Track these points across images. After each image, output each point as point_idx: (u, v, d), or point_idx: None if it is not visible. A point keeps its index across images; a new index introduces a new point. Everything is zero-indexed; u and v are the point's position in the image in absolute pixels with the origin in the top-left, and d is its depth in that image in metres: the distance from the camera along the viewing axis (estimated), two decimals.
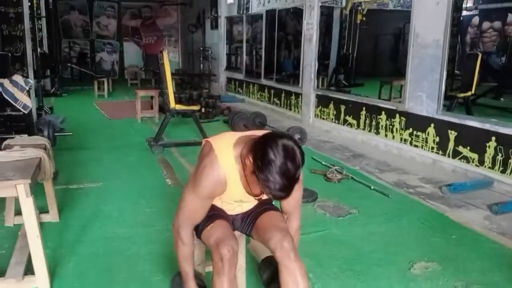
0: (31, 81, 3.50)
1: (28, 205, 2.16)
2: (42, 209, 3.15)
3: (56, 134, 3.98)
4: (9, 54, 5.66)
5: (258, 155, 1.54)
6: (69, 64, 13.31)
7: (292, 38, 9.57)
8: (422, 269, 2.60)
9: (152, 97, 7.76)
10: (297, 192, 1.85)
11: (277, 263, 1.82)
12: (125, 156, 5.11)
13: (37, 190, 3.06)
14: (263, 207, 2.03)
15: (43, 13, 10.44)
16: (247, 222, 2.04)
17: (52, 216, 3.15)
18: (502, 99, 7.69)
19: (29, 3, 7.39)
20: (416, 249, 2.87)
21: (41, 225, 3.05)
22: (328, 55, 9.72)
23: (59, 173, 4.21)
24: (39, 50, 9.90)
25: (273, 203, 2.09)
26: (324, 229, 3.12)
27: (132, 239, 2.94)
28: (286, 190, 1.53)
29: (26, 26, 6.17)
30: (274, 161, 1.49)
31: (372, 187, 4.03)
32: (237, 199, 1.89)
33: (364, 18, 9.56)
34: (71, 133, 4.74)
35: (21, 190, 2.13)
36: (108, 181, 4.16)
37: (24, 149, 2.61)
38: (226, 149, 1.72)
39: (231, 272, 1.75)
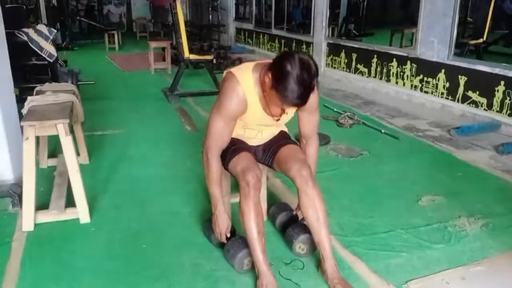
0: (55, 30, 3.61)
1: (67, 142, 2.37)
2: None
3: (79, 83, 4.13)
4: (24, 6, 5.73)
5: (276, 69, 1.73)
6: (78, 17, 13.23)
7: None
8: (428, 201, 2.80)
9: (164, 49, 7.82)
10: (315, 114, 2.10)
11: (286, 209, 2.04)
12: (143, 106, 5.29)
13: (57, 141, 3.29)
14: (282, 141, 2.20)
15: None
16: (268, 154, 2.22)
17: (83, 159, 3.38)
18: None
19: None
20: (423, 184, 3.06)
21: None
22: (339, 4, 9.57)
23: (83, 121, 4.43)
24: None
25: (292, 138, 2.27)
26: (337, 168, 3.32)
27: (158, 177, 3.17)
28: (303, 97, 1.72)
29: None
30: (291, 72, 1.67)
31: (382, 131, 4.19)
32: (258, 123, 2.06)
33: None
34: (93, 82, 4.90)
35: (61, 129, 2.33)
36: (129, 128, 4.36)
37: (57, 93, 2.79)
38: (246, 73, 1.92)
39: (256, 196, 1.95)
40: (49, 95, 2.77)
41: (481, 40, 6.24)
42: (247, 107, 1.94)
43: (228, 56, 8.39)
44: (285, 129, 2.33)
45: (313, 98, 1.89)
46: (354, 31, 9.72)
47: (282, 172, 2.14)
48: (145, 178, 3.17)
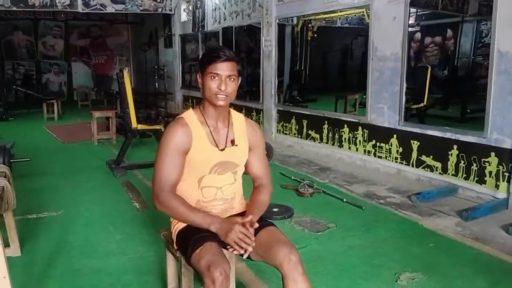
0: None
1: None
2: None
3: (12, 160, 3.68)
4: None
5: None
6: (14, 87, 12.60)
7: (245, 55, 9.62)
8: (408, 280, 2.60)
9: (108, 118, 7.46)
10: (262, 153, 2.06)
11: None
12: (86, 181, 4.84)
13: None
14: (260, 223, 1.93)
15: None
16: None
17: (13, 250, 2.89)
18: (449, 109, 8.09)
19: None
20: (398, 260, 2.87)
21: None
22: (282, 72, 9.84)
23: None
24: None
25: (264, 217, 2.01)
26: (305, 246, 3.07)
27: (105, 271, 2.74)
28: (221, 49, 1.82)
29: None
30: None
31: (344, 200, 4.04)
32: (209, 162, 1.88)
33: (315, 35, 9.80)
34: (29, 159, 4.43)
35: None
36: (70, 209, 3.90)
37: None
38: (187, 112, 1.95)
39: None
40: None
41: (422, 104, 6.51)
42: (192, 138, 1.85)
43: None
44: (241, 184, 2.07)
45: (258, 134, 2.03)
46: (298, 98, 9.97)
47: (263, 260, 1.85)
48: (89, 272, 2.73)
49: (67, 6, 9.20)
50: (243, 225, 1.76)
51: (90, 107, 12.23)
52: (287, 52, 9.92)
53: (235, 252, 1.76)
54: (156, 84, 11.73)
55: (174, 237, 1.97)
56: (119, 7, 9.82)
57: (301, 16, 7.38)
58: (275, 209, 3.65)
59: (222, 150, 1.90)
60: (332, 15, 7.99)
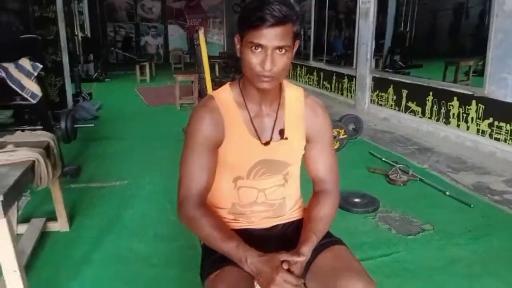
0: (40, 65, 3.03)
1: (1, 227, 1.65)
2: (51, 216, 2.71)
3: (76, 126, 3.52)
4: (39, 37, 5.29)
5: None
6: (112, 48, 13.13)
7: (343, 16, 8.78)
8: None
9: (192, 82, 7.24)
10: (326, 148, 1.40)
11: None
12: (158, 149, 4.61)
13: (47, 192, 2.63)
14: (322, 240, 1.37)
15: None
16: None
17: (60, 225, 2.68)
18: None
19: None
20: None
21: (48, 235, 2.63)
22: (383, 34, 8.82)
23: (81, 169, 3.80)
24: (80, 34, 9.71)
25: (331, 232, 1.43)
26: (390, 253, 2.43)
27: (149, 260, 2.40)
28: (268, 8, 1.15)
29: (58, 7, 5.81)
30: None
31: (447, 193, 3.26)
32: (249, 156, 1.32)
33: None
34: (92, 125, 4.30)
35: None
36: (134, 179, 3.67)
37: (16, 150, 2.12)
38: (221, 89, 1.38)
39: None
40: (6, 150, 2.10)
41: None
42: (223, 127, 1.30)
43: None
44: (297, 184, 1.48)
45: (322, 119, 1.38)
46: (400, 63, 8.89)
47: None
48: (133, 259, 2.41)
49: None
50: (289, 270, 1.19)
51: (182, 70, 12.31)
52: (391, 11, 8.86)
53: None
54: None
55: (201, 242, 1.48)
56: None
57: None
58: (356, 199, 3.03)
59: (266, 144, 1.32)
60: None
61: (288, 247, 1.27)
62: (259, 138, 1.31)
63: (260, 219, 1.41)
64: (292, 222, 1.46)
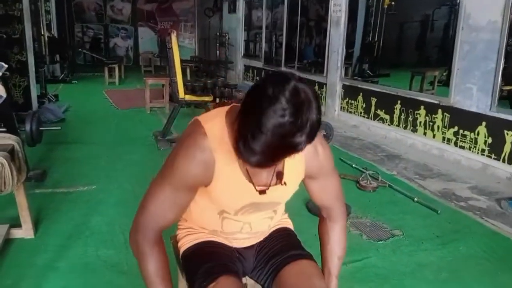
0: (5, 65, 2.91)
1: None
2: (15, 222, 2.60)
3: (41, 128, 3.40)
4: (4, 36, 5.11)
5: (245, 104, 0.97)
6: (80, 49, 12.80)
7: (314, 24, 8.90)
8: None
9: (163, 85, 7.15)
10: (330, 178, 1.35)
11: None
12: (128, 153, 4.51)
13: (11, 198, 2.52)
14: (290, 251, 1.37)
15: None
16: (265, 271, 1.39)
17: (25, 232, 2.58)
18: None
19: None
20: None
21: (11, 242, 2.53)
22: (353, 43, 9.01)
23: (47, 174, 3.67)
24: (47, 33, 9.42)
25: (302, 245, 1.45)
26: (361, 258, 2.47)
27: (119, 267, 2.33)
28: (269, 158, 0.96)
29: (25, 6, 5.61)
30: (270, 108, 0.90)
31: (415, 199, 3.34)
32: (238, 202, 1.24)
33: (392, 3, 8.78)
34: (59, 128, 4.16)
35: None
36: (103, 184, 3.57)
37: None
38: (215, 118, 1.17)
39: None
40: None
41: None
42: (213, 171, 1.16)
43: (234, 95, 7.67)
44: (285, 214, 1.53)
45: (322, 155, 1.25)
46: (368, 71, 9.10)
47: None
48: (101, 266, 2.34)
49: None
50: None
51: (152, 73, 12.14)
52: (360, 21, 9.05)
53: None
54: (218, 52, 11.30)
55: (180, 255, 1.45)
56: None
57: None
58: None
59: (262, 193, 1.20)
60: None
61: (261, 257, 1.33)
62: (253, 183, 1.19)
63: (239, 244, 1.40)
64: (271, 234, 1.46)
